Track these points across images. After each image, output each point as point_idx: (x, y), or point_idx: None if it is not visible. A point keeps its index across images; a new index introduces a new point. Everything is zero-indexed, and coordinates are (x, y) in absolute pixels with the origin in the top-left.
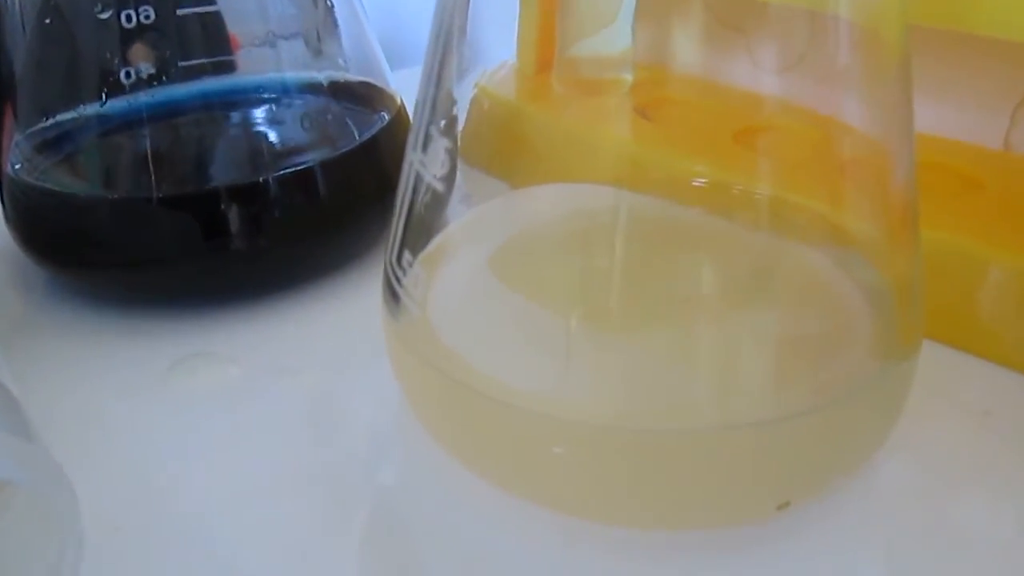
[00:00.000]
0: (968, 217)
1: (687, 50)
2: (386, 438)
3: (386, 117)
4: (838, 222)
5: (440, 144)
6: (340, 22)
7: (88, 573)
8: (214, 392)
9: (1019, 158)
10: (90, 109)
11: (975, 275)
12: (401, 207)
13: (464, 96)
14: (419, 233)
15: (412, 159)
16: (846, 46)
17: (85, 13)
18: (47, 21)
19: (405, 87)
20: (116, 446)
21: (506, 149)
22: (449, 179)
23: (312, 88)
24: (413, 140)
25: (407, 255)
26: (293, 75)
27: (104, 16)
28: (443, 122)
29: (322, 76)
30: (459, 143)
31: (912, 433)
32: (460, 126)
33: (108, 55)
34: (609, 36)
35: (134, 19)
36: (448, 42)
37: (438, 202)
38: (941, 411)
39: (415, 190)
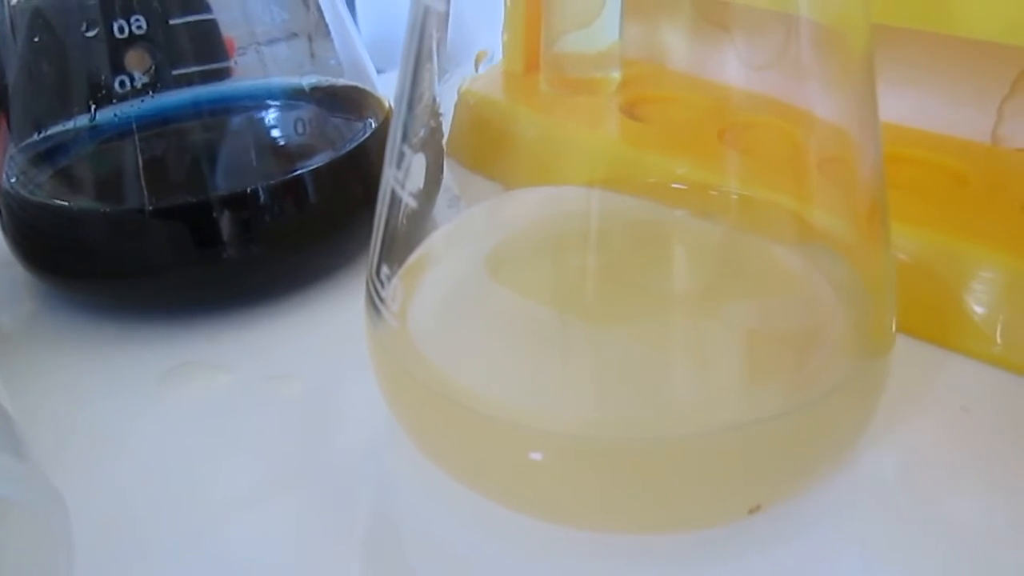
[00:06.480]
0: (954, 211)
1: (673, 47)
2: (376, 445)
3: (373, 124)
4: (822, 220)
5: (415, 160)
6: (330, 26)
7: None
8: (206, 400)
9: (1006, 152)
10: (82, 122)
11: (959, 270)
12: (379, 222)
13: (448, 97)
14: (396, 247)
15: (388, 175)
16: (816, 46)
17: (75, 27)
18: (36, 39)
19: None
20: (109, 455)
21: (494, 149)
22: (424, 194)
23: (303, 94)
24: (389, 155)
25: (385, 268)
26: (286, 81)
27: (93, 32)
28: (422, 132)
29: (314, 81)
30: (446, 145)
31: (890, 429)
32: (447, 127)
33: (100, 67)
34: (594, 33)
35: (126, 30)
36: (422, 49)
37: (414, 217)
38: (918, 407)
39: (391, 205)
